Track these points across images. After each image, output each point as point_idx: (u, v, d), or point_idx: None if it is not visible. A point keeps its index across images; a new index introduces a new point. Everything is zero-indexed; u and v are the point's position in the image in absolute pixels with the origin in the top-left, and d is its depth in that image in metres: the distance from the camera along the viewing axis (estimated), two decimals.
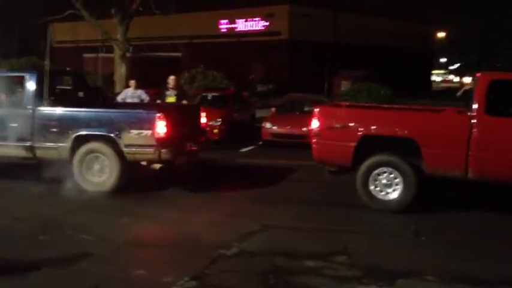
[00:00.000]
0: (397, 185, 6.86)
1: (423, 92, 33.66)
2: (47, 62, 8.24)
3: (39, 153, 8.04)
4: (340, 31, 29.00)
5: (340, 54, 29.68)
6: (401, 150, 6.86)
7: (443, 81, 62.03)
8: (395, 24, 35.77)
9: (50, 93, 8.10)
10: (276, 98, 21.39)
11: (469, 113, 6.69)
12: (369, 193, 6.97)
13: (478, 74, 7.03)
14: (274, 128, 12.93)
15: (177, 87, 11.67)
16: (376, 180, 6.96)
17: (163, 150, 7.44)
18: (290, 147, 12.10)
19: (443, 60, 60.16)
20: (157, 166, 7.74)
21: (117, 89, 18.36)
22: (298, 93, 16.73)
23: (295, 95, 16.34)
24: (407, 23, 36.81)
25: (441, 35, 43.18)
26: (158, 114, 7.47)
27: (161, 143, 7.44)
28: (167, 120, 7.46)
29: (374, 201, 6.95)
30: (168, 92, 11.31)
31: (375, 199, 6.95)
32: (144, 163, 7.80)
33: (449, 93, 29.75)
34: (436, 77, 66.09)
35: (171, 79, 11.45)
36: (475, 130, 6.47)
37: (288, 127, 12.75)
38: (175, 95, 11.26)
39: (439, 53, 50.06)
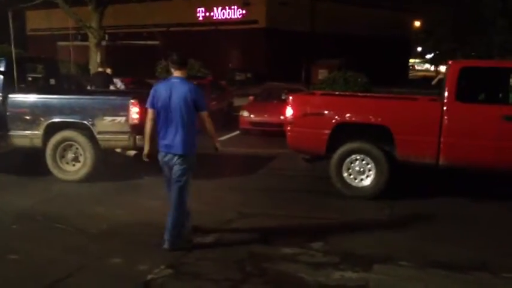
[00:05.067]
0: (370, 171, 6.94)
1: (400, 81, 33.98)
2: (15, 49, 8.07)
3: (11, 141, 7.88)
4: (317, 20, 29.04)
5: (318, 43, 29.74)
6: (374, 138, 6.93)
7: (413, 68, 62.95)
8: (372, 13, 35.94)
9: (20, 81, 7.94)
10: (254, 87, 21.34)
11: (440, 100, 6.78)
12: (343, 180, 7.04)
13: (450, 62, 7.13)
14: (252, 116, 12.93)
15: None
16: (349, 167, 7.03)
17: (138, 137, 7.37)
18: (268, 136, 12.12)
19: (419, 49, 60.72)
20: (132, 153, 7.67)
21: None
22: (276, 81, 16.72)
23: (273, 83, 16.33)
24: (384, 11, 37.01)
25: (417, 24, 43.56)
26: (132, 100, 7.38)
27: (135, 129, 7.36)
28: (141, 106, 7.38)
29: (348, 188, 7.02)
30: None
31: (349, 186, 7.02)
32: (118, 150, 7.72)
33: (425, 81, 30.12)
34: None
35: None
36: (446, 117, 6.56)
37: (266, 115, 12.77)
38: None
39: (416, 41, 50.48)
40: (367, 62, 26.23)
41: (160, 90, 4.98)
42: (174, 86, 4.94)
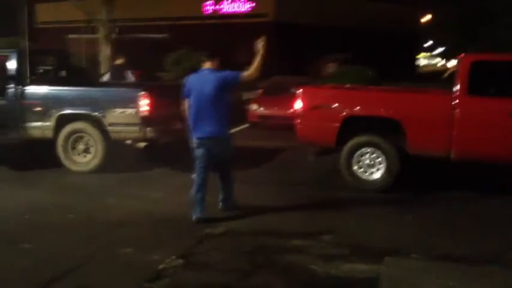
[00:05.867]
0: (380, 164, 6.92)
1: (408, 75, 33.80)
2: (26, 41, 8.12)
3: (22, 133, 7.94)
4: (325, 14, 28.91)
5: (326, 37, 29.61)
6: (384, 131, 6.91)
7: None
8: (381, 7, 35.72)
9: (31, 72, 7.99)
10: (262, 80, 21.29)
11: (451, 94, 6.75)
12: (353, 173, 7.03)
13: (461, 55, 7.08)
14: (260, 109, 12.94)
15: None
16: (359, 160, 7.02)
17: (148, 129, 7.42)
18: (277, 129, 12.11)
19: (428, 43, 60.25)
20: (142, 145, 7.72)
21: (102, 70, 18.12)
22: (285, 75, 16.69)
23: (281, 77, 16.29)
24: (392, 6, 36.77)
25: (426, 18, 43.20)
26: (142, 92, 7.41)
27: (146, 121, 7.40)
28: (151, 99, 7.41)
29: (358, 182, 7.01)
30: None
31: (359, 179, 7.01)
32: (129, 142, 7.77)
33: (434, 76, 29.94)
34: (423, 60, 66.20)
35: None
36: (457, 110, 6.54)
37: (275, 109, 12.77)
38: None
39: (425, 36, 50.09)
40: (375, 56, 26.14)
41: (192, 81, 5.63)
42: (203, 76, 5.56)
